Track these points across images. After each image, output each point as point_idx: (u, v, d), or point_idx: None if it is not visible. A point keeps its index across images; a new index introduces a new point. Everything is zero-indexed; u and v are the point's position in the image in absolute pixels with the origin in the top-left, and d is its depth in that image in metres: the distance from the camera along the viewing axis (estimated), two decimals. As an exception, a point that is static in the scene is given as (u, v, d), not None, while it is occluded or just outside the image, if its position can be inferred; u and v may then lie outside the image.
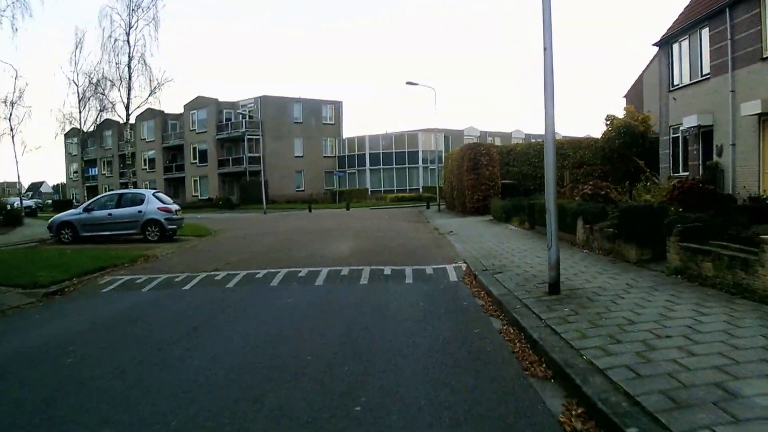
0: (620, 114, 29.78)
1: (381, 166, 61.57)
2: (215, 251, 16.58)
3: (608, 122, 29.46)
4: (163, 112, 62.50)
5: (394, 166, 61.65)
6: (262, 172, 48.37)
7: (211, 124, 58.52)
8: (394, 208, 45.08)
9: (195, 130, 60.05)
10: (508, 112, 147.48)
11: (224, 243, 19.37)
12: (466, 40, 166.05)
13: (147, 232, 19.76)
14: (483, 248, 13.97)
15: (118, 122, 66.18)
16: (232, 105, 57.88)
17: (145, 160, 64.22)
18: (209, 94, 60.20)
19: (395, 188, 60.82)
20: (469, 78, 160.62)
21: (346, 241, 18.21)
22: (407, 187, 61.02)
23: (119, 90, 35.86)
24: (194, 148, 60.48)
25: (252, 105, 58.31)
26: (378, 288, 9.74)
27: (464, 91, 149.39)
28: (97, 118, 37.31)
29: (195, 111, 59.98)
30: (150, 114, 63.23)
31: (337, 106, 63.51)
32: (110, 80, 35.53)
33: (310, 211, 43.05)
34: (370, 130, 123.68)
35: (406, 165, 61.73)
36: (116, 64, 35.09)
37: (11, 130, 39.07)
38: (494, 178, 28.47)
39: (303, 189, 59.99)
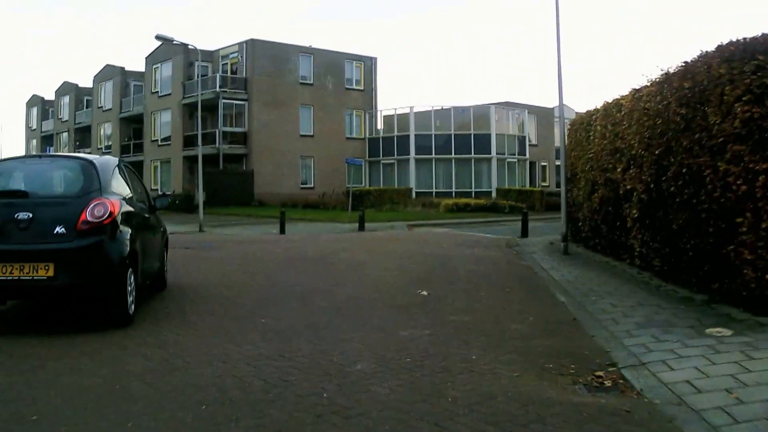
0: None
1: (433, 156, 39.75)
2: None
3: None
4: (123, 69, 44.23)
5: (453, 155, 39.71)
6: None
7: (177, 82, 39.10)
8: (451, 226, 23.76)
9: (158, 92, 40.84)
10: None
11: None
12: None
13: None
14: None
15: (76, 84, 49.03)
16: (210, 55, 38.28)
17: (101, 136, 45.94)
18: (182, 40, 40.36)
19: (454, 190, 38.90)
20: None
21: None
22: (472, 189, 38.93)
23: None
24: (155, 119, 41.39)
25: (235, 54, 38.41)
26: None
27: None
28: None
29: (159, 64, 40.79)
30: (110, 72, 45.07)
31: (368, 63, 42.19)
32: None
33: (282, 231, 19.93)
34: (417, 102, 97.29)
35: (472, 155, 39.70)
36: None
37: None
38: None
39: (312, 186, 39.25)
